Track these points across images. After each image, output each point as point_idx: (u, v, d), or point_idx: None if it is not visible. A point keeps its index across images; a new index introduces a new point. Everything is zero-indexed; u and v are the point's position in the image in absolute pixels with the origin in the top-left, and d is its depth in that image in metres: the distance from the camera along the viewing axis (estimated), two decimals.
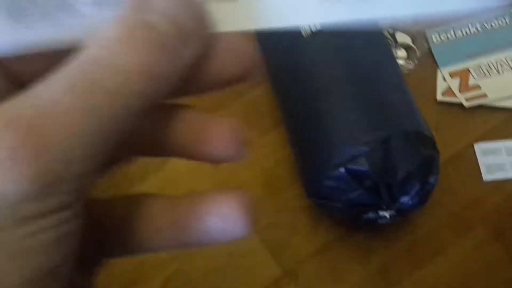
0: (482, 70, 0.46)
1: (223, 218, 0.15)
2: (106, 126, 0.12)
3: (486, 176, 0.41)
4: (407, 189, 0.32)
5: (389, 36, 0.49)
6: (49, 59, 0.14)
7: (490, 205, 0.40)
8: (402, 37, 0.49)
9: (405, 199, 0.33)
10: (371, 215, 0.34)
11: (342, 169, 0.31)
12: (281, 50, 0.41)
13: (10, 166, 0.11)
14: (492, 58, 0.47)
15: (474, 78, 0.46)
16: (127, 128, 0.13)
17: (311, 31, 0.38)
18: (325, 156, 0.32)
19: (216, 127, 0.15)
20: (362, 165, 0.31)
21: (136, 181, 0.44)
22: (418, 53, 0.48)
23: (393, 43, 0.48)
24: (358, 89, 0.34)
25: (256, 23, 0.15)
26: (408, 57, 0.48)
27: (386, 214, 0.33)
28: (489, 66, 0.46)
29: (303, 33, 0.38)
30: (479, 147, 0.42)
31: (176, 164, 0.44)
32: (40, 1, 0.15)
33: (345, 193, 0.32)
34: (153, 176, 0.44)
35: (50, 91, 0.12)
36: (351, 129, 0.32)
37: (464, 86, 0.45)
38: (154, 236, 0.16)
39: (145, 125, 0.15)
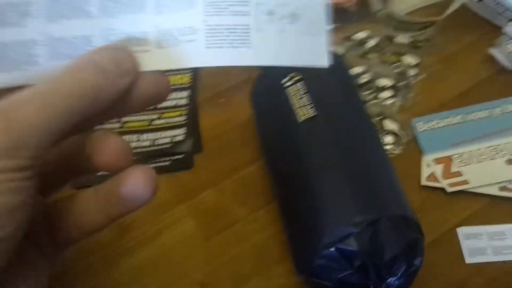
0: (464, 159, 0.49)
1: (132, 186, 0.21)
2: (57, 116, 0.19)
3: (469, 259, 0.43)
4: (394, 270, 0.34)
5: (377, 123, 0.52)
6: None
7: (472, 287, 0.41)
8: (389, 125, 0.52)
9: (391, 280, 0.34)
10: None
11: (332, 249, 0.33)
12: (276, 132, 0.43)
13: None
14: (474, 148, 0.50)
15: (456, 165, 0.49)
16: (72, 119, 0.19)
17: (306, 117, 0.41)
18: (316, 235, 0.34)
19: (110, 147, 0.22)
20: (352, 246, 0.32)
21: (128, 253, 0.45)
22: (404, 139, 0.51)
23: (381, 130, 0.52)
24: (348, 172, 0.37)
25: (164, 65, 0.23)
26: (395, 143, 0.51)
27: None
28: (471, 155, 0.49)
29: (297, 118, 0.41)
30: (461, 231, 0.44)
31: (168, 238, 0.45)
32: (11, 55, 0.22)
33: (336, 272, 0.33)
34: (144, 248, 0.45)
35: (21, 94, 0.19)
36: (342, 210, 0.34)
37: (446, 173, 0.48)
38: (87, 218, 0.22)
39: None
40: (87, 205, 0.22)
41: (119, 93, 0.21)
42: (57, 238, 0.22)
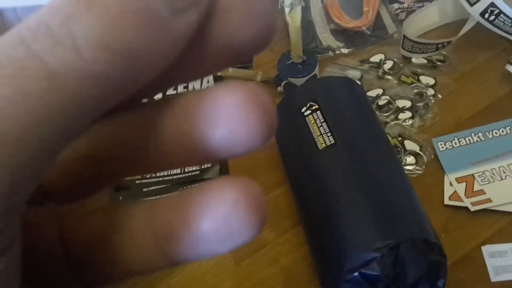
0: (486, 177, 0.50)
1: (219, 219, 0.11)
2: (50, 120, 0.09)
3: (494, 278, 0.43)
4: None
5: (398, 144, 0.54)
6: None
7: None
8: (410, 145, 0.53)
9: None
10: None
11: (356, 274, 0.34)
12: (298, 160, 0.45)
13: None
14: (495, 165, 0.51)
15: (478, 183, 0.49)
16: (73, 130, 0.10)
17: (326, 144, 0.43)
18: (340, 260, 0.35)
19: (222, 99, 0.11)
20: (375, 270, 0.34)
21: (162, 279, 0.47)
22: (425, 159, 0.52)
23: (402, 151, 0.53)
24: (369, 198, 0.38)
25: None
26: (417, 164, 0.52)
27: None
28: (492, 173, 0.50)
29: (318, 146, 0.43)
30: (486, 250, 0.45)
31: (200, 262, 0.47)
32: None
33: None
34: (179, 272, 0.47)
35: None
36: (363, 236, 0.36)
37: (469, 191, 0.49)
38: (134, 255, 0.12)
39: (120, 134, 0.12)
40: (137, 231, 0.12)
41: (169, 51, 0.10)
42: (82, 278, 0.13)
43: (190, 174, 0.55)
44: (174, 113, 0.12)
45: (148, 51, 0.10)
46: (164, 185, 0.55)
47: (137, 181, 0.55)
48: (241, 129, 0.11)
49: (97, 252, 0.13)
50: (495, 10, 0.58)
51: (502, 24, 0.58)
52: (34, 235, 0.13)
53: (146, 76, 0.10)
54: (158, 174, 0.55)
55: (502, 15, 0.57)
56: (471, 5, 0.59)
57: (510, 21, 0.58)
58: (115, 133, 0.12)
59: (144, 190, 0.54)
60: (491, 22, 0.58)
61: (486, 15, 0.58)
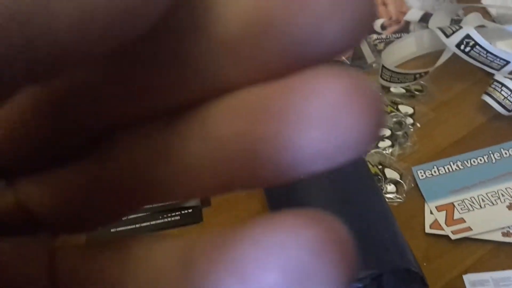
0: (466, 205, 0.50)
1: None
2: None
3: None
4: None
5: (379, 172, 0.54)
6: None
7: None
8: (391, 173, 0.54)
9: None
10: None
11: None
12: (280, 188, 0.45)
13: None
14: (474, 194, 0.51)
15: (458, 212, 0.49)
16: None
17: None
18: None
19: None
20: None
21: None
22: (406, 188, 0.52)
23: (383, 179, 0.53)
24: (351, 226, 0.37)
25: None
26: (397, 192, 0.52)
27: None
28: (472, 201, 0.50)
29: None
30: (468, 278, 0.45)
31: None
32: None
33: None
34: None
35: None
36: None
37: (449, 220, 0.49)
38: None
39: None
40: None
41: None
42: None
43: (170, 202, 0.54)
44: (229, 112, 0.08)
45: None
46: (145, 213, 0.53)
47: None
48: (345, 131, 0.07)
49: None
50: (471, 42, 0.59)
51: (477, 55, 0.59)
52: (14, 275, 0.10)
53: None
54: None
55: (477, 46, 0.59)
56: (447, 36, 0.60)
57: (485, 52, 0.59)
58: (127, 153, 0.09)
59: (112, 230, 0.51)
60: (467, 53, 0.60)
61: (462, 47, 0.59)
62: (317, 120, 0.07)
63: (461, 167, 0.54)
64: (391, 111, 0.60)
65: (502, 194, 0.50)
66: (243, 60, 0.08)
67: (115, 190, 0.10)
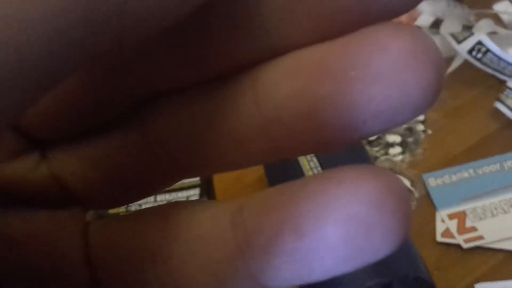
0: (478, 213, 0.49)
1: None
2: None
3: None
4: None
5: None
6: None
7: None
8: None
9: None
10: None
11: None
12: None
13: None
14: (486, 202, 0.50)
15: (470, 220, 0.49)
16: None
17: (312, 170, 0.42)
18: None
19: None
20: None
21: None
22: (417, 195, 0.52)
23: None
24: None
25: None
26: None
27: None
28: (484, 209, 0.50)
29: (304, 172, 0.42)
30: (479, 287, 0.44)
31: None
32: None
33: None
34: None
35: None
36: (355, 274, 0.35)
37: (461, 228, 0.48)
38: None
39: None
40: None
41: None
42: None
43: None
44: (285, 72, 0.07)
45: None
46: None
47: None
48: (408, 88, 0.07)
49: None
50: (482, 48, 0.58)
51: (489, 61, 0.59)
52: (49, 251, 0.09)
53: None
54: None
55: (489, 52, 0.58)
56: (459, 42, 0.60)
57: (497, 59, 0.58)
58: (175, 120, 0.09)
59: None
60: (479, 60, 0.59)
61: (474, 53, 0.59)
62: (380, 76, 0.07)
63: (473, 174, 0.53)
64: None
65: None
66: (301, 18, 0.07)
67: (156, 161, 0.09)
